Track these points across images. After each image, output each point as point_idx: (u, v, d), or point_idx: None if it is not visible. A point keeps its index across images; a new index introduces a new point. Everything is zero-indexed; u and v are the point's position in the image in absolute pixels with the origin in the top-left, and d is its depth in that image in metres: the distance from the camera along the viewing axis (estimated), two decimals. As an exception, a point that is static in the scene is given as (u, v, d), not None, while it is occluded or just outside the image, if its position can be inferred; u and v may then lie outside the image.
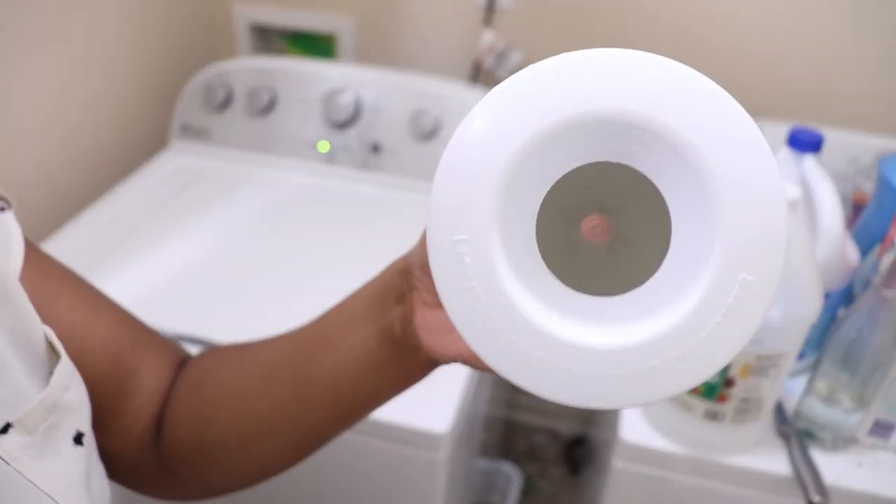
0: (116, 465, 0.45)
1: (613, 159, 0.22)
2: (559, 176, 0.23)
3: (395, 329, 0.38)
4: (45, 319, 0.38)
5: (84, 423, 0.35)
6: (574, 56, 0.22)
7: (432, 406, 0.75)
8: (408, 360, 0.39)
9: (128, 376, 0.43)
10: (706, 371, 0.22)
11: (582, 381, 0.22)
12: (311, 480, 0.85)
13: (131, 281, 0.88)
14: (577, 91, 0.21)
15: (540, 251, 0.23)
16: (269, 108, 1.13)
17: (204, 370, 0.45)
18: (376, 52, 1.28)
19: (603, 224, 0.27)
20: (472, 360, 0.35)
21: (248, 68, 1.15)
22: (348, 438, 0.77)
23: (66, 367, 0.35)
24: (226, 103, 1.15)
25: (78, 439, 0.34)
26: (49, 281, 0.40)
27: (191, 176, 1.12)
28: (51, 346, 0.35)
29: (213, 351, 0.47)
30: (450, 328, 0.35)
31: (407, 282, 0.37)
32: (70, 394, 0.34)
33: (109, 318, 0.43)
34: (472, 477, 1.11)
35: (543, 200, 0.23)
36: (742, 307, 0.21)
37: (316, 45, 1.34)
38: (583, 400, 0.23)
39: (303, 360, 0.41)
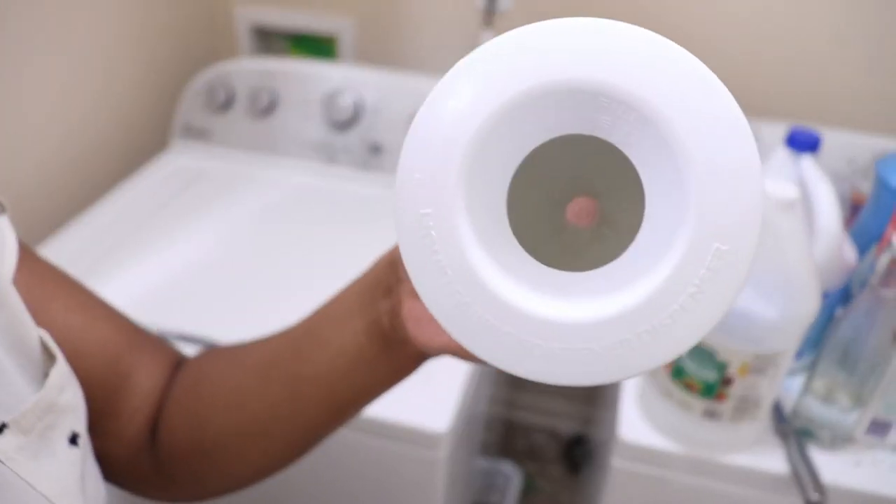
0: (113, 467, 0.45)
1: (585, 132, 0.22)
2: (530, 149, 0.22)
3: (383, 322, 0.38)
4: (41, 322, 0.38)
5: (79, 424, 0.35)
6: (540, 25, 0.22)
7: (432, 405, 0.75)
8: (397, 354, 0.39)
9: (123, 378, 0.43)
10: (679, 346, 0.21)
11: (552, 356, 0.22)
12: (311, 480, 0.85)
13: (132, 281, 0.88)
14: (543, 59, 0.21)
15: (518, 230, 0.23)
16: (269, 108, 1.13)
17: (199, 371, 0.45)
18: (377, 53, 1.29)
19: (588, 207, 0.27)
20: (458, 351, 0.35)
21: (249, 69, 1.15)
22: (348, 438, 0.77)
23: (61, 369, 0.35)
24: (227, 104, 1.15)
25: (73, 440, 0.34)
26: (44, 284, 0.40)
27: (192, 176, 1.12)
28: (46, 348, 0.36)
29: (209, 352, 0.47)
30: (431, 319, 0.35)
31: (395, 274, 0.38)
32: (66, 395, 0.34)
33: (105, 321, 0.43)
34: (472, 476, 1.11)
35: (525, 180, 0.23)
36: (716, 279, 0.21)
37: (316, 46, 1.34)
38: (554, 376, 0.22)
39: (295, 359, 0.41)
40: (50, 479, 0.32)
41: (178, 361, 0.48)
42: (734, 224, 0.21)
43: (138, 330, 0.46)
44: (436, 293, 0.22)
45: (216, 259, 0.94)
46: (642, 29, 0.22)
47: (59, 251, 0.94)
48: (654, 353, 0.21)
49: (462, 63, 0.23)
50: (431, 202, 0.21)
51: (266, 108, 1.13)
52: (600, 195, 0.27)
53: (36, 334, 0.35)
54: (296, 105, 1.13)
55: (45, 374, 0.34)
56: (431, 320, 0.35)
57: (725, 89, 0.22)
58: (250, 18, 1.31)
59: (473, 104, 0.21)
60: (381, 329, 0.38)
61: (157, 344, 0.47)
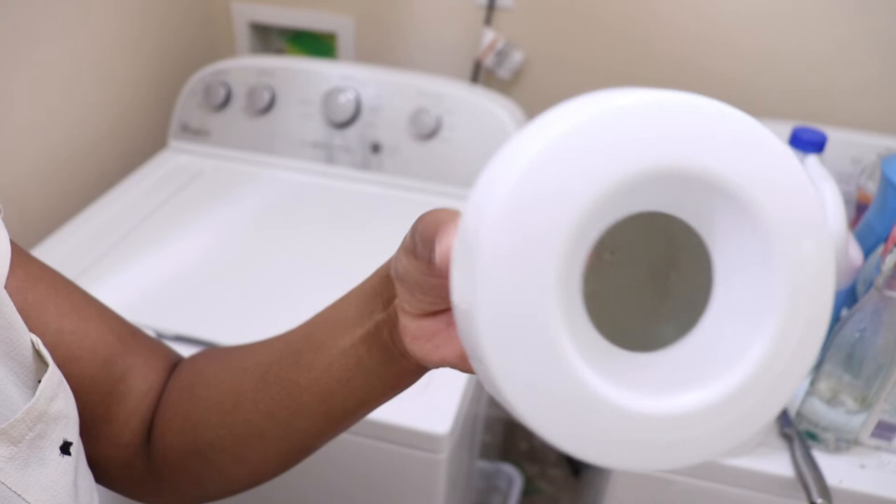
0: (108, 472, 0.44)
1: (664, 210, 0.21)
2: (605, 228, 0.21)
3: (382, 334, 0.38)
4: (34, 326, 0.37)
5: (71, 432, 0.35)
6: (616, 106, 0.20)
7: (432, 407, 0.74)
8: (396, 365, 0.38)
9: (118, 381, 0.43)
10: (779, 405, 0.22)
11: (636, 446, 0.21)
12: (312, 482, 0.85)
13: (130, 280, 0.88)
14: (637, 146, 0.20)
15: (588, 308, 0.22)
16: (268, 107, 1.13)
17: (195, 374, 0.45)
18: (376, 51, 1.28)
19: None
20: (458, 364, 0.34)
21: (248, 67, 1.15)
22: (349, 440, 0.76)
23: (53, 376, 0.34)
24: (225, 103, 1.14)
25: (65, 449, 0.34)
26: (37, 286, 0.40)
27: (190, 175, 1.12)
28: (38, 354, 0.35)
29: (204, 354, 0.47)
30: (432, 334, 0.35)
31: (391, 288, 0.37)
32: (57, 403, 0.34)
33: (99, 323, 0.43)
34: (473, 478, 1.10)
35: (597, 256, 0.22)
36: (805, 341, 0.21)
37: (315, 44, 1.33)
38: (636, 464, 0.22)
39: (293, 365, 0.41)
40: (40, 489, 0.32)
41: (174, 362, 0.47)
42: (817, 293, 0.21)
43: (133, 331, 0.45)
44: (515, 376, 0.20)
45: (214, 258, 0.93)
46: (721, 105, 0.22)
47: (58, 250, 0.93)
48: (753, 422, 0.22)
49: (552, 144, 0.20)
50: (526, 295, 0.20)
51: (265, 106, 1.12)
52: (666, 271, 0.26)
53: (28, 340, 0.35)
54: (294, 104, 1.12)
55: (38, 381, 0.34)
56: (428, 337, 0.35)
57: (793, 158, 0.22)
58: (248, 16, 1.30)
59: (571, 197, 0.19)
60: (381, 340, 0.38)
61: (152, 345, 0.46)
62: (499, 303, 0.19)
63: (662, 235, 0.22)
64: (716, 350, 0.21)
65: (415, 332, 0.35)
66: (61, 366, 0.38)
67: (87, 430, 0.41)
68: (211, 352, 0.47)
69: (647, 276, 0.25)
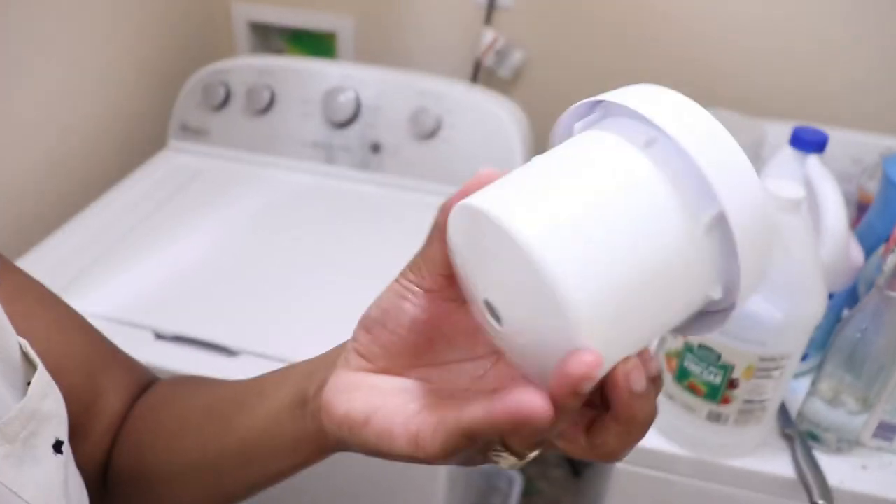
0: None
1: None
2: None
3: (308, 391, 0.37)
4: (22, 335, 0.37)
5: (62, 431, 0.35)
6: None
7: (432, 408, 0.74)
8: (305, 424, 0.37)
9: (97, 397, 0.43)
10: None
11: None
12: (312, 481, 0.84)
13: (130, 280, 0.87)
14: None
15: None
16: (268, 107, 1.13)
17: (159, 399, 0.45)
18: (376, 51, 1.28)
19: None
20: (355, 421, 0.33)
21: (247, 67, 1.14)
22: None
23: (42, 377, 0.34)
24: (224, 102, 1.14)
25: (57, 447, 0.34)
26: (25, 297, 0.40)
27: (189, 175, 1.11)
28: (26, 356, 0.35)
29: (180, 378, 0.47)
30: (354, 388, 0.34)
31: (325, 371, 0.36)
32: (48, 402, 0.34)
33: (82, 337, 0.43)
34: (473, 478, 1.10)
35: None
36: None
37: (315, 43, 1.33)
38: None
39: (236, 408, 0.40)
40: (35, 486, 0.32)
41: (147, 384, 0.47)
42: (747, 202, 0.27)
43: (113, 349, 0.46)
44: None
45: (214, 258, 0.93)
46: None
47: (58, 250, 0.93)
48: None
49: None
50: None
51: (264, 106, 1.12)
52: None
53: (16, 342, 0.35)
54: (294, 103, 1.12)
55: (27, 383, 0.34)
56: (348, 390, 0.34)
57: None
58: (248, 15, 1.30)
59: None
60: (304, 396, 0.37)
61: (128, 364, 0.47)
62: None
63: None
64: None
65: (340, 384, 0.34)
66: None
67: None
68: (181, 380, 0.47)
69: None
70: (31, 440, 0.33)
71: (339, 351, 0.37)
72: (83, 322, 0.45)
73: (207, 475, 0.42)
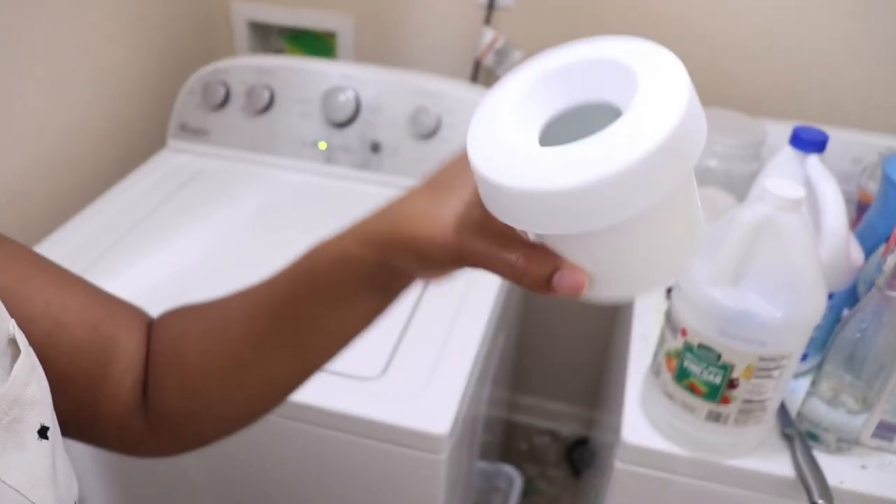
0: (109, 431, 0.46)
1: (590, 100, 0.35)
2: (561, 110, 0.35)
3: (380, 278, 0.41)
4: (20, 301, 0.39)
5: (47, 417, 0.36)
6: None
7: (432, 407, 0.74)
8: (391, 290, 0.42)
9: (108, 343, 0.45)
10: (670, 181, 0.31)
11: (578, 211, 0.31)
12: (312, 482, 0.84)
13: (129, 280, 0.87)
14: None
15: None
16: (267, 106, 1.13)
17: (177, 337, 0.47)
18: (376, 51, 1.28)
19: None
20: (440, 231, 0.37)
21: (247, 67, 1.14)
22: (349, 440, 0.76)
23: (25, 362, 0.35)
24: (224, 102, 1.14)
25: (43, 433, 0.35)
26: (17, 264, 0.41)
27: (189, 175, 1.11)
28: (13, 342, 0.36)
29: (179, 314, 0.49)
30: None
31: (393, 271, 0.40)
32: (31, 389, 0.35)
33: (80, 292, 0.45)
34: (473, 479, 1.10)
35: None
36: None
37: (315, 43, 1.33)
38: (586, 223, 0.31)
39: (290, 308, 0.43)
40: (19, 472, 0.32)
41: (150, 322, 0.49)
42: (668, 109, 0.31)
43: (112, 296, 0.48)
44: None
45: (213, 258, 0.93)
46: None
47: (57, 250, 0.93)
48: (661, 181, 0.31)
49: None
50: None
51: (264, 106, 1.12)
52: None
53: (5, 327, 0.35)
54: (294, 103, 1.12)
55: (11, 368, 0.35)
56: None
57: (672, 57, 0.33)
58: (248, 15, 1.30)
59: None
60: (378, 282, 0.41)
61: (130, 307, 0.48)
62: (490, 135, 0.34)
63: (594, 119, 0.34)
64: (624, 135, 0.31)
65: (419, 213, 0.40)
66: (52, 333, 0.41)
67: (86, 392, 0.43)
68: (185, 311, 0.48)
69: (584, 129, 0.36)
70: (14, 426, 0.33)
71: (372, 270, 0.41)
72: (78, 278, 0.46)
73: (266, 366, 0.44)
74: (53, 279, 0.43)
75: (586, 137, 0.32)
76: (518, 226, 0.33)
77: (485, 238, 0.36)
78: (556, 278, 0.34)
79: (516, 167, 0.32)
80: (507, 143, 0.33)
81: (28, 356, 0.35)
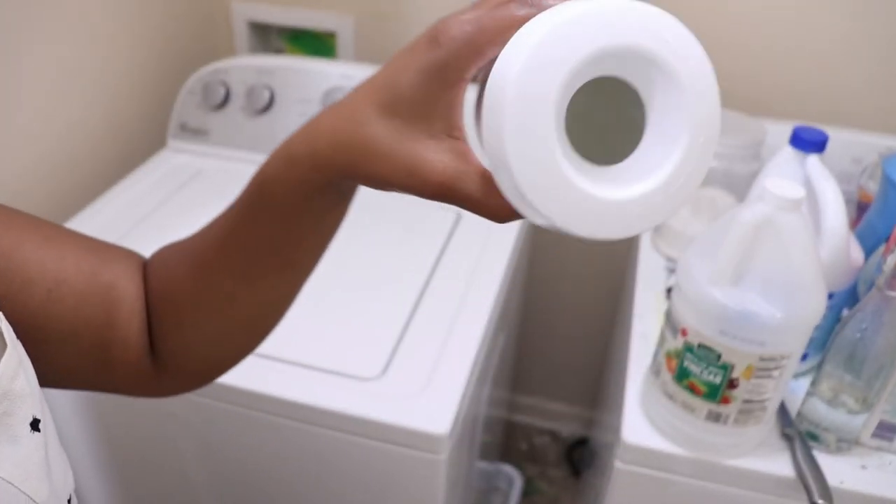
0: (125, 378, 0.47)
1: (619, 75, 0.32)
2: (584, 83, 0.32)
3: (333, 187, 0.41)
4: (17, 264, 0.40)
5: (38, 409, 0.36)
6: (584, 10, 0.31)
7: (432, 407, 0.74)
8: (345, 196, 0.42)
9: (108, 289, 0.45)
10: (677, 205, 0.32)
11: (600, 218, 0.32)
12: (312, 482, 0.84)
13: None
14: (599, 31, 0.31)
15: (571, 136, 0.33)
16: (267, 106, 1.13)
17: (166, 280, 0.47)
18: (376, 51, 1.28)
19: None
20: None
21: (247, 67, 1.14)
22: (349, 440, 0.76)
23: (12, 356, 0.35)
24: (224, 102, 1.14)
25: (35, 425, 0.35)
26: (9, 230, 0.42)
27: (189, 175, 1.11)
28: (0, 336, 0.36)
29: (163, 257, 0.49)
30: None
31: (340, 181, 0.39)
32: (19, 382, 0.35)
33: (73, 244, 0.45)
34: (473, 479, 1.10)
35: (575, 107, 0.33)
36: (699, 161, 0.32)
37: (315, 43, 1.33)
38: (602, 231, 0.32)
39: (252, 235, 0.44)
40: (12, 465, 0.33)
41: (143, 263, 0.50)
42: (711, 125, 0.32)
43: (105, 244, 0.48)
44: (526, 174, 0.31)
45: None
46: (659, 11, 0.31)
47: (55, 251, 0.93)
48: (671, 206, 0.32)
49: (549, 31, 0.30)
50: (534, 120, 0.31)
51: (264, 106, 1.12)
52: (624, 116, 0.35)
53: None
54: (294, 103, 1.12)
55: None
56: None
57: (697, 42, 0.32)
58: (248, 15, 1.30)
59: (560, 62, 0.31)
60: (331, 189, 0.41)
61: (124, 251, 0.49)
62: (517, 129, 0.31)
63: (622, 97, 0.33)
64: (648, 163, 0.32)
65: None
66: (53, 290, 0.41)
67: (97, 341, 0.44)
68: (170, 250, 0.49)
69: (610, 120, 0.36)
70: (5, 419, 0.33)
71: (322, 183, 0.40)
72: (69, 231, 0.46)
73: (262, 289, 0.45)
74: (45, 238, 0.43)
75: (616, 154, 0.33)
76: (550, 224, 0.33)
77: (476, 180, 0.34)
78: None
79: (578, 209, 0.32)
80: (565, 177, 0.32)
81: (15, 349, 0.35)
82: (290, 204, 0.41)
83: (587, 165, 0.33)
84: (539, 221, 0.33)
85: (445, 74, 0.34)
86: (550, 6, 0.32)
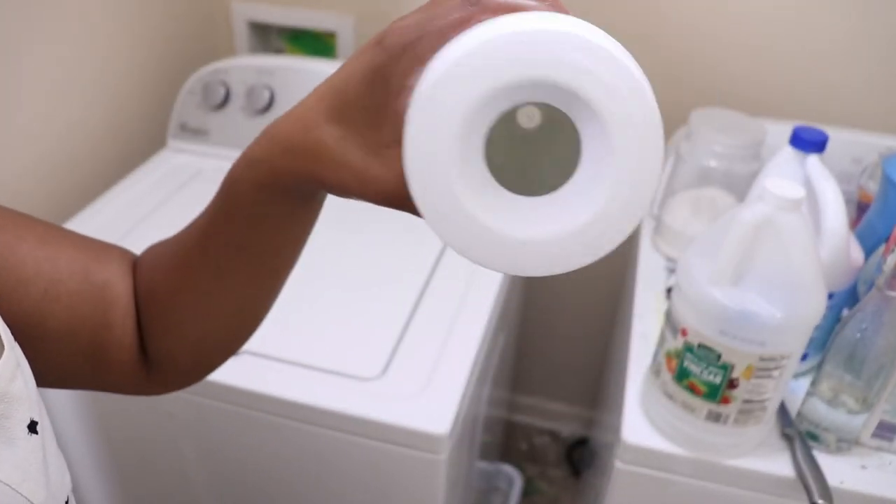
0: (122, 377, 0.47)
1: (545, 101, 0.30)
2: (504, 110, 0.30)
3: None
4: (14, 264, 0.40)
5: (35, 412, 0.36)
6: (500, 34, 0.29)
7: (432, 407, 0.74)
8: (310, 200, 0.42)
9: (103, 289, 0.45)
10: (607, 246, 0.31)
11: (513, 257, 0.31)
12: (312, 482, 0.84)
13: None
14: (516, 62, 0.29)
15: (492, 168, 0.31)
16: (267, 106, 1.13)
17: (151, 280, 0.47)
18: (376, 51, 1.28)
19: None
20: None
21: (247, 67, 1.14)
22: (349, 440, 0.76)
23: (10, 358, 0.35)
24: (224, 102, 1.14)
25: (32, 428, 0.35)
26: (4, 230, 0.42)
27: (189, 175, 1.11)
28: None
29: (153, 251, 0.49)
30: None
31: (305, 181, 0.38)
32: (17, 384, 0.34)
33: (68, 244, 0.45)
34: (473, 479, 1.10)
35: (499, 132, 0.31)
36: (629, 197, 0.30)
37: (315, 43, 1.33)
38: (517, 269, 0.31)
39: (225, 239, 0.43)
40: (11, 467, 0.33)
41: (133, 260, 0.50)
42: (645, 163, 0.29)
43: (97, 243, 0.48)
44: (430, 205, 0.30)
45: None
46: (586, 29, 0.29)
47: (55, 251, 0.93)
48: (599, 247, 0.31)
49: (463, 55, 0.29)
50: (435, 148, 0.29)
51: (264, 106, 1.12)
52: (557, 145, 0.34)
53: None
54: (294, 103, 1.12)
55: None
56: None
57: (639, 72, 0.29)
58: (248, 15, 1.30)
59: (467, 91, 0.29)
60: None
61: (115, 250, 0.49)
62: (420, 156, 0.29)
63: (557, 123, 0.31)
64: (573, 200, 0.30)
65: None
66: (48, 290, 0.41)
67: (93, 340, 0.44)
68: (156, 250, 0.48)
69: (543, 149, 0.33)
70: (3, 422, 0.33)
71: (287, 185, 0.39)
72: (63, 231, 0.46)
73: (245, 286, 0.45)
74: (40, 237, 0.43)
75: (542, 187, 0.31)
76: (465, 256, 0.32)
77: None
78: None
79: (485, 246, 0.31)
80: (470, 213, 0.30)
81: (12, 351, 0.35)
82: (253, 205, 0.40)
83: (507, 196, 0.31)
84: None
85: (388, 82, 0.32)
86: (491, 9, 0.31)
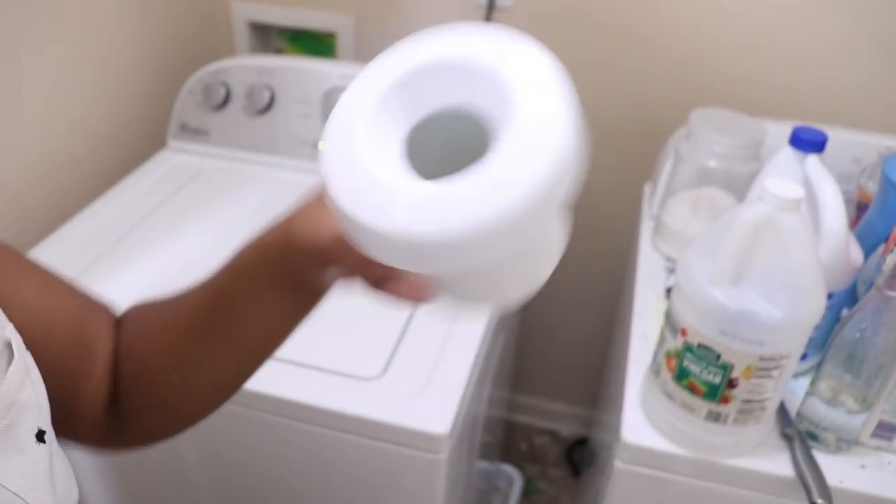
0: (89, 429, 0.47)
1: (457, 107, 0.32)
2: (429, 112, 0.33)
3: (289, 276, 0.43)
4: (14, 305, 0.40)
5: (44, 420, 0.36)
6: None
7: (432, 407, 0.74)
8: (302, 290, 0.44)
9: (92, 342, 0.46)
10: (503, 203, 0.30)
11: (427, 222, 0.30)
12: (312, 482, 0.84)
13: (130, 280, 0.87)
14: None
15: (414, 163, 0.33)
16: (267, 107, 1.13)
17: (135, 335, 0.48)
18: (376, 51, 1.27)
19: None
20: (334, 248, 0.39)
21: (247, 67, 1.14)
22: (349, 440, 0.76)
23: (20, 367, 0.35)
24: (224, 102, 1.14)
25: (40, 437, 0.35)
26: (9, 269, 0.42)
27: (189, 175, 1.11)
28: (7, 346, 0.36)
29: (138, 311, 0.50)
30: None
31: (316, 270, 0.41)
32: (26, 392, 0.35)
33: (67, 294, 0.46)
34: (473, 478, 1.10)
35: (422, 138, 0.34)
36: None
37: (315, 43, 1.33)
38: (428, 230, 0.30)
39: (220, 318, 0.45)
40: (18, 475, 0.33)
41: (117, 318, 0.50)
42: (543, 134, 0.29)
43: (89, 295, 0.49)
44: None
45: (214, 258, 0.93)
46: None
47: (58, 249, 0.93)
48: (497, 204, 0.30)
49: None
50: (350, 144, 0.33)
51: (264, 106, 1.12)
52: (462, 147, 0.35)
53: (4, 332, 0.35)
54: (294, 103, 1.12)
55: (5, 372, 0.35)
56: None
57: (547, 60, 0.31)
58: (248, 15, 1.30)
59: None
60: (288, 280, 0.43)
61: (102, 305, 0.50)
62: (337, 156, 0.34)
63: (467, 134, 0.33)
64: (479, 170, 0.30)
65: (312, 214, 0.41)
66: (43, 336, 0.42)
67: (70, 391, 0.44)
68: (144, 308, 0.50)
69: (458, 150, 0.35)
70: (11, 430, 0.33)
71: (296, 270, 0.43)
72: (62, 279, 0.47)
73: (221, 362, 0.47)
74: (43, 282, 0.44)
75: (452, 168, 0.31)
76: (371, 255, 0.32)
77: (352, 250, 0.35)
78: (404, 292, 0.39)
79: (377, 204, 0.31)
80: (366, 170, 0.32)
81: (22, 360, 0.35)
82: (254, 281, 0.44)
83: (413, 176, 0.32)
84: (352, 234, 0.32)
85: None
86: None
